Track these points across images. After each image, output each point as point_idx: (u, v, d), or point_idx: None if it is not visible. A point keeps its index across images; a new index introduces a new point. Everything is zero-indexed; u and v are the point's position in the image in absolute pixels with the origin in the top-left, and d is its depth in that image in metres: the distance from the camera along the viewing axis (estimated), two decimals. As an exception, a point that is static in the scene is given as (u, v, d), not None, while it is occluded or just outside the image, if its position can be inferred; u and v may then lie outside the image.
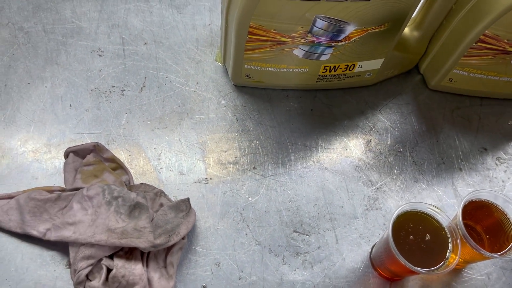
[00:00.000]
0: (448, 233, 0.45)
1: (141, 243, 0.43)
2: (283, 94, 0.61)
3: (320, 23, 0.49)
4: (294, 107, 0.61)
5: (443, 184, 0.57)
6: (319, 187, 0.55)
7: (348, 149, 0.58)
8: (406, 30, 0.59)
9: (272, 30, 0.49)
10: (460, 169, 0.59)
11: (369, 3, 0.46)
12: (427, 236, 0.45)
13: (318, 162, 0.57)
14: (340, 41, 0.52)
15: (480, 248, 0.44)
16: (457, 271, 0.52)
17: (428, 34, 0.59)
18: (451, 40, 0.57)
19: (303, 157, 0.57)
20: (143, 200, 0.46)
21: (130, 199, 0.46)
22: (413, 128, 0.61)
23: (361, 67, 0.57)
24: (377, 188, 0.56)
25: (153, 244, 0.43)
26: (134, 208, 0.45)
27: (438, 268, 0.44)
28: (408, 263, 0.43)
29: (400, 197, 0.56)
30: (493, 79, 0.59)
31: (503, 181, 0.58)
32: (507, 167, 0.59)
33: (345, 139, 0.59)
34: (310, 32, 0.50)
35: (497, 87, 0.61)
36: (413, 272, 0.44)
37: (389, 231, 0.44)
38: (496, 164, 0.60)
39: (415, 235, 0.45)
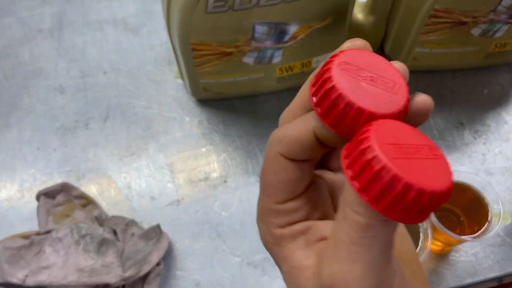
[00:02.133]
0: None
1: (110, 278, 0.44)
2: (247, 101, 0.61)
3: (260, 29, 0.48)
4: (260, 112, 0.60)
5: (420, 167, 0.56)
6: (292, 191, 0.55)
7: (319, 147, 0.58)
8: (360, 16, 0.58)
9: (214, 44, 0.49)
10: (437, 149, 0.57)
11: (303, 2, 0.46)
12: (398, 229, 0.44)
13: (289, 165, 0.56)
14: (287, 41, 0.51)
15: (450, 232, 0.43)
16: (443, 256, 0.51)
17: (382, 17, 0.58)
18: (405, 19, 0.56)
19: (274, 162, 0.57)
20: (110, 234, 0.47)
21: (98, 235, 0.46)
22: (383, 114, 0.60)
23: (318, 62, 0.57)
24: (352, 182, 0.55)
25: (123, 278, 0.44)
26: (102, 244, 0.46)
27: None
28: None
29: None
30: (458, 51, 0.58)
31: (483, 154, 0.57)
32: (486, 139, 0.58)
33: (314, 137, 0.58)
34: (252, 39, 0.49)
35: (464, 58, 0.59)
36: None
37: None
38: (474, 137, 0.58)
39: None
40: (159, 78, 0.63)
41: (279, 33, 0.49)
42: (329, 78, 0.18)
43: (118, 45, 0.66)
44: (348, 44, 0.20)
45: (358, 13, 0.58)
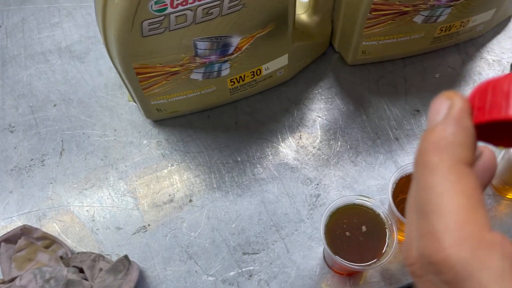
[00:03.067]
0: (383, 218, 0.45)
1: (80, 321, 0.42)
2: (203, 115, 0.60)
3: (202, 45, 0.47)
4: (217, 125, 0.59)
5: (383, 160, 0.56)
6: (259, 201, 0.54)
7: (281, 152, 0.57)
8: (304, 16, 0.58)
9: (158, 65, 0.48)
10: (397, 139, 0.58)
11: (241, 13, 0.45)
12: (363, 228, 0.45)
13: (253, 175, 0.56)
14: (232, 53, 0.50)
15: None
16: (413, 245, 0.51)
17: (326, 15, 0.58)
18: (348, 16, 0.56)
19: (237, 174, 0.56)
20: (75, 275, 0.46)
21: (63, 277, 0.45)
22: (340, 110, 0.60)
23: (268, 69, 0.56)
24: (317, 184, 0.55)
25: (93, 318, 0.43)
26: (67, 287, 0.45)
27: (382, 257, 0.43)
28: (349, 264, 0.42)
29: (342, 185, 0.55)
30: (404, 40, 0.58)
31: (441, 139, 0.57)
32: (443, 123, 0.58)
33: (275, 143, 0.58)
34: (196, 55, 0.48)
35: (412, 46, 0.60)
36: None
37: (321, 235, 0.44)
38: (431, 123, 0.58)
39: (351, 230, 0.44)
40: (112, 103, 0.61)
41: (222, 46, 0.49)
42: None
43: (65, 75, 0.64)
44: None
45: (302, 14, 0.58)
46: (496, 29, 0.65)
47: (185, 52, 0.48)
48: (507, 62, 0.62)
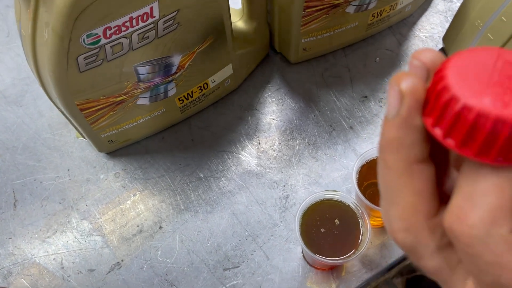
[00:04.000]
0: (354, 208, 0.46)
1: None
2: (158, 138, 0.59)
3: (143, 70, 0.46)
4: (174, 145, 0.58)
5: (342, 150, 0.57)
6: (230, 214, 0.54)
7: (243, 161, 0.57)
8: (240, 24, 0.58)
9: (102, 97, 0.47)
10: (351, 128, 0.59)
11: (177, 32, 0.44)
12: (336, 221, 0.45)
13: (220, 189, 0.56)
14: (176, 72, 0.50)
15: (378, 207, 0.45)
16: (386, 227, 0.53)
17: (262, 19, 0.58)
18: (282, 17, 0.56)
19: (203, 191, 0.55)
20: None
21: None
22: (293, 109, 0.60)
23: (214, 81, 0.56)
24: (284, 186, 0.55)
25: None
26: None
27: (359, 246, 0.44)
28: (330, 260, 0.43)
29: (308, 182, 0.55)
30: (341, 31, 0.59)
31: (393, 120, 0.59)
32: (391, 104, 0.60)
33: (235, 153, 0.58)
34: (139, 81, 0.47)
35: (348, 35, 0.61)
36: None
37: (297, 236, 0.44)
38: (381, 106, 0.60)
39: (325, 225, 0.45)
40: (59, 143, 0.59)
41: (164, 67, 0.48)
42: (453, 99, 0.16)
43: (4, 122, 0.61)
44: (428, 57, 0.18)
45: (238, 22, 0.58)
46: (423, 6, 0.68)
47: (127, 80, 0.46)
48: (438, 36, 0.65)
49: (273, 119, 0.60)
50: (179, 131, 0.59)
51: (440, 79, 0.17)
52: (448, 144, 0.17)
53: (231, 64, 0.56)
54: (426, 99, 0.18)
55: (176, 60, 0.48)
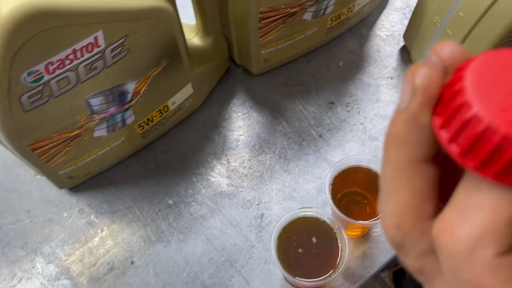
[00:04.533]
0: (330, 223, 0.44)
1: None
2: (121, 168, 0.56)
3: (96, 101, 0.44)
4: (139, 173, 0.56)
5: (313, 160, 0.56)
6: (204, 240, 0.52)
7: (213, 183, 0.55)
8: (196, 40, 0.56)
9: (54, 135, 0.44)
10: (321, 136, 0.58)
11: (127, 59, 0.42)
12: (314, 239, 0.44)
13: (191, 214, 0.53)
14: (132, 99, 0.47)
15: (357, 221, 0.44)
16: (366, 236, 0.52)
17: (219, 33, 0.56)
18: (239, 29, 0.55)
19: (174, 218, 0.53)
20: None
21: None
22: (260, 123, 0.59)
23: (175, 103, 0.54)
24: (258, 204, 0.54)
25: None
26: None
27: (340, 262, 0.43)
28: (311, 281, 0.41)
29: (282, 198, 0.54)
30: (300, 38, 0.58)
31: (361, 124, 0.58)
32: (358, 108, 0.59)
33: (204, 175, 0.56)
34: (93, 113, 0.45)
35: (309, 42, 0.60)
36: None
37: (275, 261, 0.42)
38: (348, 111, 0.59)
39: (303, 245, 0.44)
40: (16, 183, 0.56)
41: (118, 96, 0.46)
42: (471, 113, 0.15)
43: (-46, 166, 0.57)
44: (447, 51, 0.17)
45: (193, 38, 0.56)
46: (381, 4, 0.67)
47: (79, 113, 0.44)
48: (399, 34, 0.64)
49: (241, 135, 0.58)
50: (143, 157, 0.57)
51: (458, 79, 0.15)
52: (451, 150, 0.16)
53: (190, 83, 0.54)
54: (440, 96, 0.16)
55: (130, 87, 0.46)
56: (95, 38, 0.38)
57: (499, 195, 0.15)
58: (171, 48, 0.46)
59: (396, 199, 0.18)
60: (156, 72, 0.47)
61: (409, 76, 0.17)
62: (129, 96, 0.47)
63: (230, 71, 0.63)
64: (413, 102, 0.17)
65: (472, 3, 0.48)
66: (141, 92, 0.48)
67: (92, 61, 0.39)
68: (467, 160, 0.15)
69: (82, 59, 0.39)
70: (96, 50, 0.39)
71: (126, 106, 0.48)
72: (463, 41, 0.51)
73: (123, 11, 0.38)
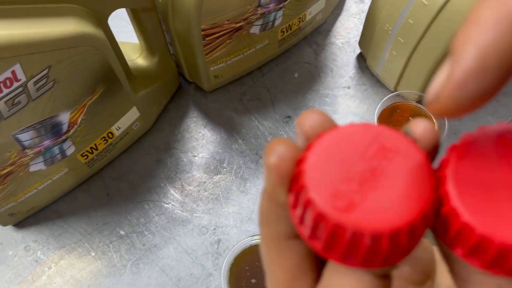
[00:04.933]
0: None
1: None
2: (69, 199, 0.54)
3: (25, 136, 0.41)
4: (88, 204, 0.53)
5: (271, 179, 0.54)
6: (159, 271, 0.50)
7: (166, 209, 0.53)
8: (140, 61, 0.54)
9: (-18, 174, 0.41)
10: (278, 153, 0.56)
11: (55, 90, 0.40)
12: (267, 269, 0.42)
13: (144, 244, 0.51)
14: (68, 131, 0.45)
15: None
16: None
17: (165, 51, 0.54)
18: (183, 47, 0.52)
19: (126, 250, 0.51)
20: None
21: None
22: (214, 142, 0.57)
23: (120, 128, 0.51)
24: (214, 229, 0.51)
25: None
26: None
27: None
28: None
29: (240, 221, 0.52)
30: (251, 52, 0.56)
31: (320, 137, 0.56)
32: (316, 120, 0.58)
33: (156, 201, 0.53)
34: (24, 149, 0.42)
35: (261, 55, 0.58)
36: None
37: (226, 296, 0.40)
38: (305, 124, 0.57)
39: (256, 275, 0.42)
40: (-44, 222, 0.53)
41: (52, 129, 0.43)
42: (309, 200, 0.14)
43: None
44: (308, 123, 0.16)
45: (138, 59, 0.54)
46: (336, 11, 0.66)
47: (9, 150, 0.41)
48: (355, 41, 0.63)
49: (194, 156, 0.56)
50: (92, 186, 0.54)
51: (302, 159, 0.15)
52: (300, 231, 0.15)
53: (135, 106, 0.51)
54: (295, 174, 0.15)
55: (64, 117, 0.43)
56: (13, 72, 0.35)
57: (352, 276, 0.15)
58: (107, 73, 0.44)
59: (272, 278, 0.18)
60: (92, 100, 0.45)
61: (265, 153, 0.16)
62: (65, 127, 0.44)
63: (182, 89, 0.60)
64: (268, 181, 0.16)
65: (420, 10, 0.47)
66: (78, 121, 0.45)
67: (13, 96, 0.37)
68: (313, 243, 0.14)
69: (1, 95, 0.36)
70: (16, 84, 0.36)
71: (63, 137, 0.45)
72: (414, 48, 0.49)
73: (41, 42, 0.35)
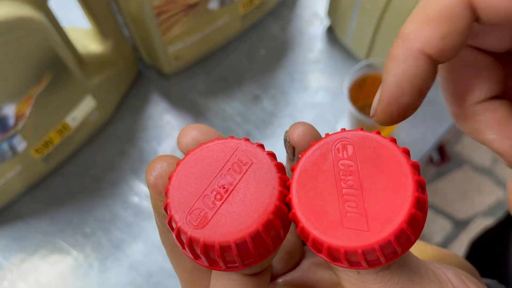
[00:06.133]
0: None
1: None
2: (28, 198, 0.51)
3: (-33, 133, 0.39)
4: (49, 203, 0.51)
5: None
6: (127, 268, 0.48)
7: (133, 203, 0.51)
8: (95, 46, 0.51)
9: None
10: (249, 134, 0.54)
11: (-7, 80, 0.37)
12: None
13: (110, 241, 0.49)
14: (16, 124, 0.42)
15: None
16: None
17: (118, 34, 0.51)
18: (138, 27, 0.50)
19: (92, 248, 0.49)
20: None
21: None
22: (179, 128, 0.55)
23: (75, 119, 0.49)
24: (184, 220, 0.50)
25: None
26: None
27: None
28: None
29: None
30: (212, 30, 0.54)
31: (290, 115, 0.55)
32: (286, 97, 0.56)
33: (121, 195, 0.51)
34: (-33, 146, 0.40)
35: (223, 32, 0.56)
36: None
37: None
38: (274, 103, 0.56)
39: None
40: None
41: (-4, 123, 0.41)
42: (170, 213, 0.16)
43: None
44: (183, 141, 0.18)
45: (91, 44, 0.51)
46: (301, -18, 0.64)
47: (-51, 150, 0.39)
48: (322, 12, 0.61)
49: (159, 145, 0.54)
50: (52, 184, 0.52)
51: (170, 177, 0.17)
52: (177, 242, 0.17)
53: (90, 95, 0.49)
54: None
55: (9, 110, 0.41)
56: None
57: (224, 277, 0.17)
58: (53, 60, 0.42)
59: (179, 277, 0.20)
60: (40, 90, 0.42)
61: (146, 170, 0.18)
62: (12, 121, 0.42)
63: (143, 74, 0.58)
64: (150, 197, 0.18)
65: (384, -28, 0.45)
66: (26, 114, 0.43)
67: None
68: (185, 252, 0.17)
69: None
70: None
71: (12, 132, 0.43)
72: (381, 14, 0.48)
73: (-32, 28, 0.33)
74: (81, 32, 0.51)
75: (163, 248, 0.47)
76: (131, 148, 0.54)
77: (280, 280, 0.21)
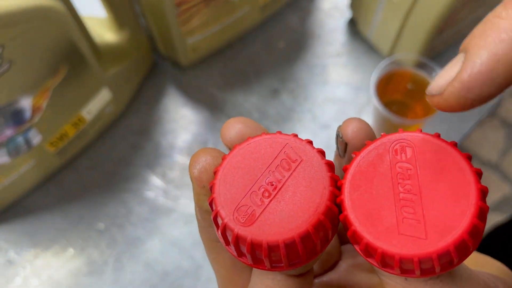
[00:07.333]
0: None
1: None
2: (40, 193, 0.51)
3: (-17, 126, 0.38)
4: (62, 197, 0.51)
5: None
6: (143, 266, 0.48)
7: (148, 198, 0.51)
8: (110, 35, 0.51)
9: None
10: (267, 129, 0.54)
11: (12, 72, 0.37)
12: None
13: (125, 237, 0.49)
14: (32, 117, 0.42)
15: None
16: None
17: (135, 26, 0.51)
18: (157, 18, 0.50)
19: (107, 245, 0.49)
20: None
21: None
22: (196, 122, 0.54)
23: (91, 112, 0.48)
24: (201, 217, 0.49)
25: None
26: None
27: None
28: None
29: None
30: (231, 21, 0.53)
31: (310, 111, 0.54)
32: (306, 92, 0.55)
33: (136, 190, 0.51)
34: (-17, 140, 0.39)
35: (242, 23, 0.55)
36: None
37: None
38: (294, 97, 0.55)
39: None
40: None
41: (13, 116, 0.40)
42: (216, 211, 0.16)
43: None
44: (227, 134, 0.18)
45: (106, 34, 0.51)
46: (322, -28, 0.63)
47: (-35, 143, 0.38)
48: (343, 4, 0.60)
49: (175, 139, 0.53)
50: (65, 178, 0.52)
51: (216, 172, 0.16)
52: (219, 238, 0.17)
53: (106, 87, 0.48)
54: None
55: (26, 103, 0.40)
56: (-41, 53, 0.32)
57: (268, 277, 0.17)
58: (70, 51, 0.41)
59: (216, 274, 0.20)
60: (57, 82, 0.42)
61: (189, 163, 0.18)
62: (28, 114, 0.41)
63: (158, 66, 0.57)
64: (193, 190, 0.18)
65: (415, -36, 0.44)
66: (43, 107, 0.42)
67: (-37, 82, 0.34)
68: (221, 240, 0.16)
69: None
70: (-35, 67, 0.33)
71: (28, 125, 0.42)
72: (410, 8, 0.47)
73: (-11, 18, 0.32)
74: (96, 21, 0.51)
75: (179, 245, 0.47)
76: (146, 142, 0.53)
77: (317, 281, 0.21)
